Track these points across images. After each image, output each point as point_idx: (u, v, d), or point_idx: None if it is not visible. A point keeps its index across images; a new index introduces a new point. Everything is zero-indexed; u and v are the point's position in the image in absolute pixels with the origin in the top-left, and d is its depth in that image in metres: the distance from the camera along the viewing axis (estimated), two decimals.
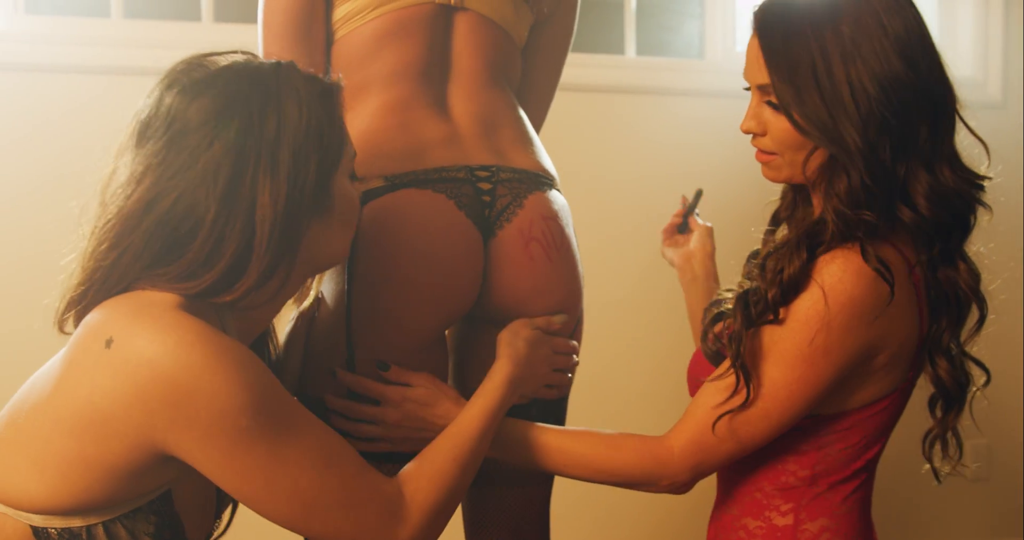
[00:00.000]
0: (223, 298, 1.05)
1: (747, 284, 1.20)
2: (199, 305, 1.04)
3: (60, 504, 0.99)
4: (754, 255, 1.35)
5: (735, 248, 1.48)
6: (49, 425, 0.99)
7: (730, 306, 1.19)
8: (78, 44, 2.27)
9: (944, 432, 1.21)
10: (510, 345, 1.28)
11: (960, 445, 1.22)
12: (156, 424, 0.97)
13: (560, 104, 1.64)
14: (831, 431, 1.18)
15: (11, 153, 2.21)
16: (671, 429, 1.19)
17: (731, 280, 1.34)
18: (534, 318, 1.33)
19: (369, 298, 1.28)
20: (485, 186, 1.33)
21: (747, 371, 1.12)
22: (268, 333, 1.28)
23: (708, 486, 1.32)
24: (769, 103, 1.16)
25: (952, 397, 1.20)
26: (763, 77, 1.15)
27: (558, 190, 1.42)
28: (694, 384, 1.29)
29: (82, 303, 1.06)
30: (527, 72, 1.51)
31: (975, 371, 1.22)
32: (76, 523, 1.00)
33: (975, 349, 1.22)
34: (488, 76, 1.40)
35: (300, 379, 1.32)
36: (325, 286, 1.33)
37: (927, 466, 1.23)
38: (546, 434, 1.23)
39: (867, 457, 1.20)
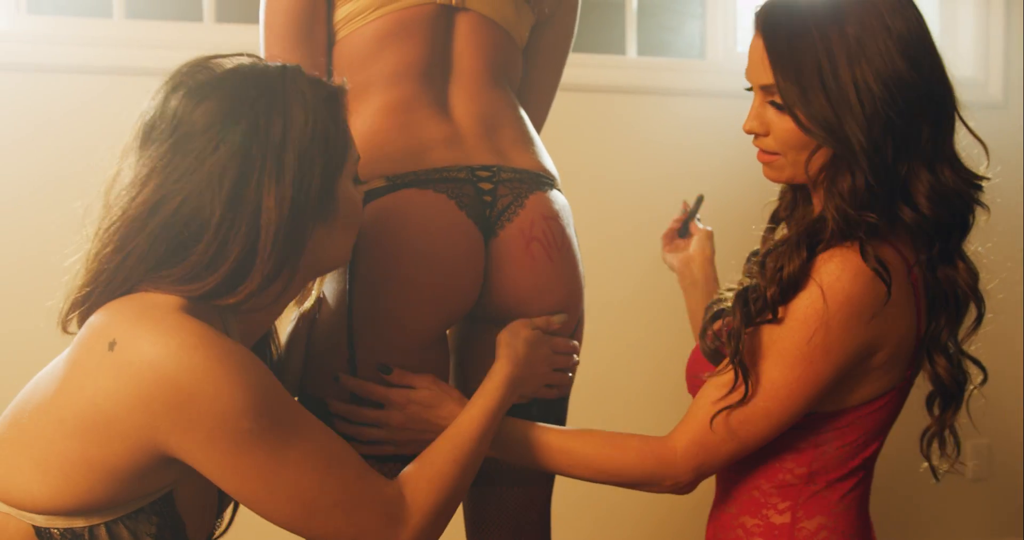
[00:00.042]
0: (226, 301, 1.05)
1: (747, 282, 1.21)
2: (202, 307, 1.04)
3: (63, 504, 0.99)
4: (754, 254, 1.35)
5: (736, 249, 1.48)
6: (52, 426, 1.00)
7: (730, 304, 1.19)
8: (80, 44, 2.27)
9: (942, 430, 1.22)
10: (509, 345, 1.28)
11: (958, 443, 1.22)
12: (158, 426, 0.98)
13: (561, 104, 1.64)
14: (829, 429, 1.18)
15: (13, 153, 2.21)
16: (674, 429, 1.19)
17: (732, 281, 1.35)
18: (533, 318, 1.33)
19: (370, 298, 1.28)
20: (486, 186, 1.33)
21: (745, 367, 1.13)
22: (270, 334, 1.28)
23: (709, 486, 1.32)
24: (772, 103, 1.16)
25: (950, 395, 1.20)
26: (767, 77, 1.15)
27: (559, 190, 1.42)
28: (692, 381, 1.29)
29: (86, 304, 1.06)
30: (528, 72, 1.52)
31: (972, 370, 1.22)
32: (78, 523, 1.01)
33: (974, 349, 1.22)
34: (489, 76, 1.41)
35: (301, 379, 1.33)
36: (326, 286, 1.33)
37: (926, 464, 1.24)
38: (548, 434, 1.23)
39: (864, 455, 1.20)
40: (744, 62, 1.21)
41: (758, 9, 1.18)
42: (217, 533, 1.21)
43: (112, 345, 0.98)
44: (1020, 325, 2.76)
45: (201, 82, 1.06)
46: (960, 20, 2.89)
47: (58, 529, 1.00)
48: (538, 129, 1.55)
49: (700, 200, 1.60)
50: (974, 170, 1.17)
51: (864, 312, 1.11)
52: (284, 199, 1.04)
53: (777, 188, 1.33)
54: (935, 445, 1.22)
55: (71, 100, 2.24)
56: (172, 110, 1.05)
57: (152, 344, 0.97)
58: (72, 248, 1.09)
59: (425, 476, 1.13)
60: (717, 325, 1.26)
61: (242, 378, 0.98)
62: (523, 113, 1.45)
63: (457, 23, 1.39)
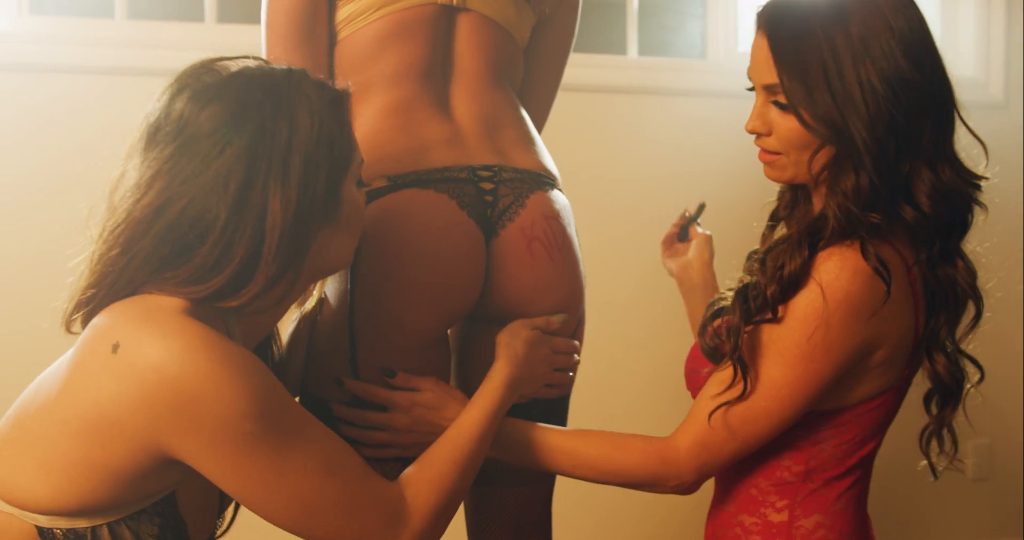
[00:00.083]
0: (229, 303, 1.05)
1: (748, 279, 1.21)
2: (205, 310, 1.05)
3: (65, 505, 1.00)
4: (754, 253, 1.35)
5: (737, 249, 1.48)
6: (55, 427, 1.00)
7: (730, 302, 1.20)
8: (82, 44, 2.27)
9: (940, 428, 1.22)
10: (508, 346, 1.28)
11: (956, 441, 1.23)
12: (161, 428, 0.98)
13: (562, 104, 1.64)
14: (827, 427, 1.18)
15: (15, 153, 2.22)
16: (676, 430, 1.19)
17: (733, 283, 1.35)
18: (533, 318, 1.33)
19: (372, 298, 1.28)
20: (487, 186, 1.33)
21: (744, 363, 1.13)
22: (271, 334, 1.28)
23: (709, 485, 1.32)
24: (776, 103, 1.16)
25: (948, 393, 1.20)
26: (771, 77, 1.15)
27: (560, 190, 1.42)
28: (691, 376, 1.29)
29: (90, 305, 1.06)
30: (529, 72, 1.52)
31: (970, 369, 1.23)
32: (81, 524, 1.01)
33: (973, 349, 1.22)
34: (490, 76, 1.41)
35: (303, 380, 1.33)
36: (328, 287, 1.33)
37: (924, 463, 1.24)
38: (550, 435, 1.23)
39: (862, 454, 1.21)
40: (745, 62, 1.21)
41: (760, 9, 1.18)
42: (218, 533, 1.22)
43: (116, 347, 0.98)
44: (1020, 325, 2.76)
45: (207, 85, 1.06)
46: (961, 20, 2.89)
47: (61, 529, 1.01)
48: (539, 129, 1.55)
49: (702, 208, 1.59)
50: (973, 170, 1.18)
51: (863, 310, 1.11)
52: (289, 202, 1.04)
53: (778, 189, 1.33)
54: (934, 443, 1.23)
55: (73, 100, 2.24)
56: (178, 112, 1.05)
57: (155, 347, 0.97)
58: (75, 249, 1.09)
59: (425, 477, 1.13)
60: (717, 323, 1.26)
61: (244, 381, 0.99)
62: (524, 113, 1.45)
63: (458, 23, 1.39)
